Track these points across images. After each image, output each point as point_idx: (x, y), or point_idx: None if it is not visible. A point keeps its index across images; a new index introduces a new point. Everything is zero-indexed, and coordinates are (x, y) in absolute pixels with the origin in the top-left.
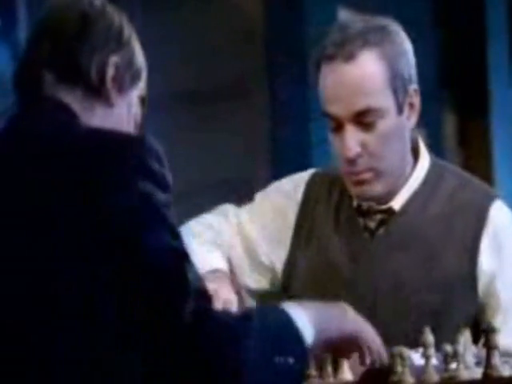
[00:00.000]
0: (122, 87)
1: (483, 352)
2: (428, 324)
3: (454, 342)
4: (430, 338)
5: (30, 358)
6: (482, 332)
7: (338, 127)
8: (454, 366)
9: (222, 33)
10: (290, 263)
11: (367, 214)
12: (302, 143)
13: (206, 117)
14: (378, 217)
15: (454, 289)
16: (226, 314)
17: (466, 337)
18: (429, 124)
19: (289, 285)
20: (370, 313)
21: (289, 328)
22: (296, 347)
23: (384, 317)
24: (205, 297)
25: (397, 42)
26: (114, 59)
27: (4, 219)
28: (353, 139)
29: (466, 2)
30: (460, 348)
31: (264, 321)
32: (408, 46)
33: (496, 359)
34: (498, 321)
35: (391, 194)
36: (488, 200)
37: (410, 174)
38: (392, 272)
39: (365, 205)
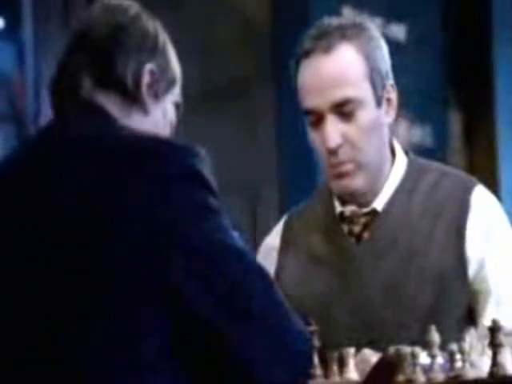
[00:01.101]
0: (157, 94)
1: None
2: (424, 320)
3: (451, 333)
4: (435, 336)
5: None
6: (488, 330)
7: (318, 120)
8: (459, 364)
9: (227, 31)
10: (278, 277)
11: (351, 219)
12: (308, 141)
13: (210, 116)
14: (362, 220)
15: (446, 281)
16: None
17: (471, 335)
18: (434, 123)
19: None
20: (364, 320)
21: None
22: None
23: (379, 321)
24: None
25: (373, 38)
26: (149, 66)
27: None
28: (334, 130)
29: (472, 1)
30: (466, 346)
31: None
32: (383, 43)
33: (502, 357)
34: (490, 305)
35: (372, 195)
36: (468, 188)
37: (389, 173)
38: (382, 275)
39: (347, 210)
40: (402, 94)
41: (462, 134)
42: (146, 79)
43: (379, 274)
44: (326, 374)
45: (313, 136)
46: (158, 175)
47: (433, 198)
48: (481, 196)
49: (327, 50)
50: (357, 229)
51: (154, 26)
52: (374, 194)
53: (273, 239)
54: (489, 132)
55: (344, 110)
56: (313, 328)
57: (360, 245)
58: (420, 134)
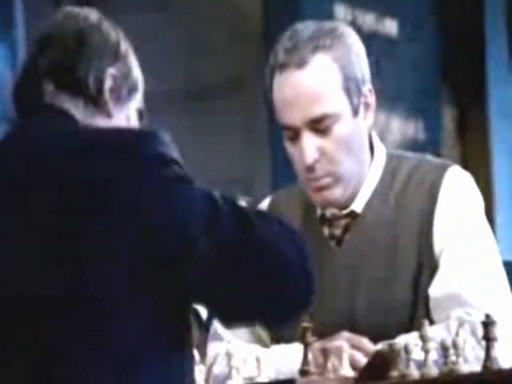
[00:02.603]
0: (119, 98)
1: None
2: (405, 318)
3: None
4: (428, 331)
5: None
6: (482, 324)
7: (295, 135)
8: (453, 359)
9: (219, 30)
10: None
11: (331, 222)
12: None
13: (202, 115)
14: (342, 222)
15: (421, 276)
16: None
17: (465, 330)
18: (427, 117)
19: None
20: (346, 321)
21: None
22: None
23: (362, 322)
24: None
25: (348, 44)
26: (111, 71)
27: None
28: (310, 146)
29: None
30: (459, 341)
31: None
32: (360, 46)
33: (495, 352)
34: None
35: (351, 197)
36: (440, 172)
37: (368, 174)
38: (365, 276)
39: (327, 213)
40: (394, 89)
41: (455, 128)
42: (108, 83)
43: (361, 276)
44: (321, 371)
45: (290, 150)
46: (132, 166)
47: (407, 193)
48: (451, 179)
49: (301, 65)
50: (337, 232)
51: (115, 33)
52: (353, 196)
53: None
54: (481, 127)
55: (320, 125)
56: (306, 325)
57: (341, 248)
58: (413, 129)
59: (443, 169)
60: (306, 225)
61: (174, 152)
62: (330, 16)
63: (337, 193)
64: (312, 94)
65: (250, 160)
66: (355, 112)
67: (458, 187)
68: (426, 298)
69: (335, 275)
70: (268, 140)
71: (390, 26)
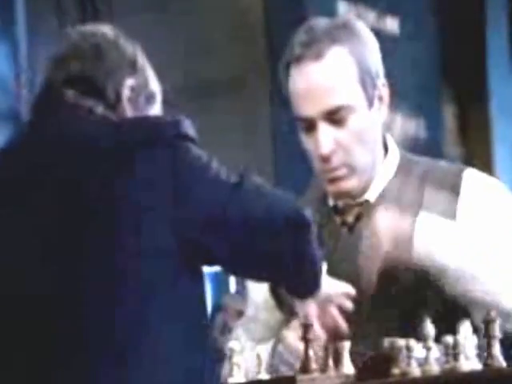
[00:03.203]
0: (137, 107)
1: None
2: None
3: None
4: (429, 329)
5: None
6: (483, 322)
7: (310, 127)
8: (454, 357)
9: (219, 29)
10: None
11: (343, 210)
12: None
13: (202, 115)
14: (355, 211)
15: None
16: None
17: (466, 327)
18: (428, 115)
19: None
20: (355, 306)
21: None
22: None
23: (370, 307)
24: None
25: (363, 38)
26: (129, 81)
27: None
28: (326, 136)
29: None
30: (460, 339)
31: None
32: (373, 42)
33: (496, 349)
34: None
35: (364, 188)
36: (458, 172)
37: (381, 167)
38: (374, 264)
39: (340, 203)
40: (396, 87)
41: (456, 127)
42: (126, 93)
43: (371, 264)
44: (322, 368)
45: (305, 141)
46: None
47: (423, 190)
48: (471, 179)
49: (318, 57)
50: (350, 219)
51: (132, 47)
52: (366, 186)
53: None
54: (483, 125)
55: (336, 116)
56: (307, 322)
57: (352, 234)
58: (415, 127)
59: (460, 169)
60: (319, 215)
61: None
62: (331, 14)
63: (351, 183)
64: (328, 85)
65: (250, 160)
66: (370, 104)
67: (479, 183)
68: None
69: (346, 261)
70: (269, 140)
71: (392, 24)
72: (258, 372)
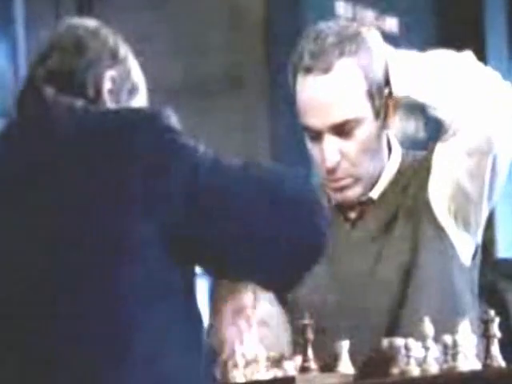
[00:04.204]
0: (119, 99)
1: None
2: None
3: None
4: (429, 328)
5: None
6: (481, 322)
7: (316, 136)
8: (453, 356)
9: (220, 24)
10: None
11: (347, 208)
12: (302, 134)
13: (204, 110)
14: (358, 208)
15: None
16: None
17: (465, 327)
18: (428, 115)
19: None
20: (353, 303)
21: None
22: None
23: (369, 304)
24: None
25: (371, 49)
26: (110, 73)
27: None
28: (332, 149)
29: None
30: (459, 338)
31: None
32: (381, 49)
33: (495, 349)
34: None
35: (369, 186)
36: (432, 150)
37: (386, 165)
38: (372, 259)
39: (344, 202)
40: None
41: None
42: (106, 85)
43: (370, 259)
44: (321, 368)
45: (311, 148)
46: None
47: (423, 191)
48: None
49: (326, 70)
50: (352, 215)
51: (114, 38)
52: (371, 184)
53: None
54: None
55: (343, 129)
56: (307, 322)
57: (354, 229)
58: (414, 126)
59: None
60: None
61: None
62: (330, 13)
63: (356, 192)
64: (336, 99)
65: (250, 154)
66: (377, 115)
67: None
68: None
69: (347, 255)
70: (268, 140)
71: (391, 24)
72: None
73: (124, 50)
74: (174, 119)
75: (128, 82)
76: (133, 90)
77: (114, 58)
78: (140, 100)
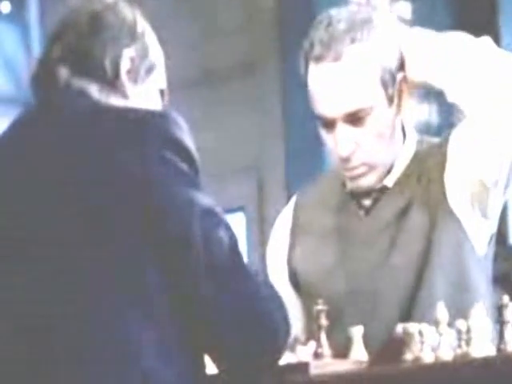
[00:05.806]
0: (136, 79)
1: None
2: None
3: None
4: (443, 314)
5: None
6: (496, 308)
7: (330, 124)
8: (467, 342)
9: (233, 12)
10: (290, 255)
11: (361, 194)
12: (315, 122)
13: (214, 101)
14: (373, 195)
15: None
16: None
17: (479, 311)
18: (440, 101)
19: (291, 271)
20: (363, 290)
21: None
22: None
23: (378, 292)
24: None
25: (383, 34)
26: (128, 52)
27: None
28: (345, 138)
29: None
30: (473, 324)
31: None
32: (393, 34)
33: (509, 334)
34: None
35: (384, 173)
36: (447, 138)
37: (401, 152)
38: (385, 247)
39: (358, 189)
40: None
41: None
42: (124, 65)
43: (384, 246)
44: (334, 354)
45: (325, 137)
46: (139, 142)
47: (439, 179)
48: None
49: (337, 58)
50: (367, 202)
51: (132, 12)
52: (386, 172)
53: (284, 219)
54: None
55: (356, 117)
56: (320, 307)
57: (368, 217)
58: (427, 111)
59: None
60: (336, 199)
61: (186, 135)
62: None
63: (371, 180)
64: (348, 87)
65: (262, 147)
66: (390, 101)
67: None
68: None
69: (360, 242)
70: (281, 127)
71: (404, 9)
72: None
73: (142, 25)
74: (181, 125)
75: (146, 59)
76: (151, 68)
77: (132, 35)
78: (157, 77)
